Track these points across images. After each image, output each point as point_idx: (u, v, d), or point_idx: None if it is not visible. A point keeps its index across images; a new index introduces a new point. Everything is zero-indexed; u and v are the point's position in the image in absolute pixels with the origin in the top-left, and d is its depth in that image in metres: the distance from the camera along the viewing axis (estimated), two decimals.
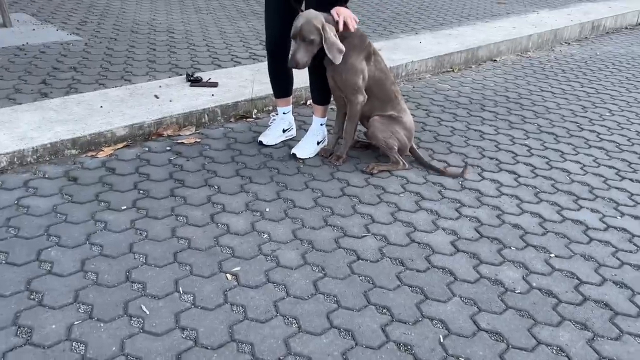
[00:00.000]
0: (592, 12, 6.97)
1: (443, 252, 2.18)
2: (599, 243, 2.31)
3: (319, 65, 2.75)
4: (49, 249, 2.05)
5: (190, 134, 3.13)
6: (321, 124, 2.98)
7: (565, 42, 6.10)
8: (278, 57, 2.89)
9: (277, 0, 2.73)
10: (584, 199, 2.66)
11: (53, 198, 2.39)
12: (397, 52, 4.62)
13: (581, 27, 6.35)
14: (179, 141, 3.02)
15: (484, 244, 2.25)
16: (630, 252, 2.26)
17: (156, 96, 3.38)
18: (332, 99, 2.93)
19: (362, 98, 2.70)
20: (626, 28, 7.13)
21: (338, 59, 2.53)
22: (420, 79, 4.49)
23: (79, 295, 1.83)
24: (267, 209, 2.40)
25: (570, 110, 3.90)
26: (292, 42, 2.53)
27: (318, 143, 2.97)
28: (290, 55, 2.51)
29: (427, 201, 2.55)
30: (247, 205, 2.43)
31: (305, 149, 2.93)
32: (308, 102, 3.77)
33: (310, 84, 2.95)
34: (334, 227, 2.31)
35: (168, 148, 2.94)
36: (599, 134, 3.48)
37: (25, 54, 4.06)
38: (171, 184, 2.57)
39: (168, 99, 3.35)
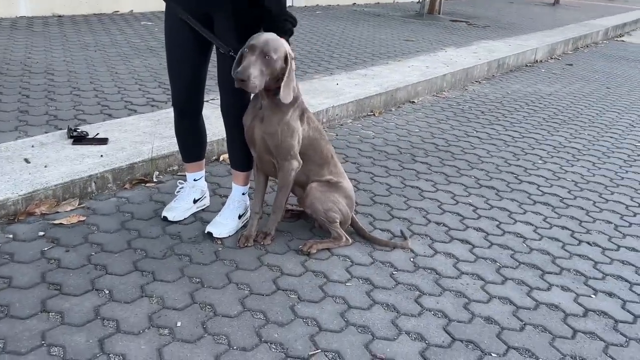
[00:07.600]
0: (496, 50, 7.08)
1: None
2: (585, 337, 1.96)
3: (238, 123, 2.23)
4: None
5: (71, 210, 2.45)
6: (243, 193, 2.45)
7: (476, 81, 6.07)
8: (189, 115, 2.34)
9: (184, 45, 2.19)
10: (550, 272, 2.34)
11: None
12: (316, 95, 4.21)
13: (489, 66, 6.38)
14: (56, 221, 2.33)
15: (459, 350, 1.82)
16: (621, 346, 1.94)
17: (27, 160, 2.66)
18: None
19: (297, 164, 2.21)
20: (526, 65, 7.34)
21: (288, 99, 2.04)
22: (341, 125, 4.10)
23: None
24: (179, 323, 1.81)
25: (502, 158, 3.68)
26: (246, 55, 1.95)
27: (240, 217, 2.42)
28: (240, 67, 1.91)
29: (381, 291, 2.09)
30: (151, 318, 1.82)
31: (225, 225, 2.37)
32: (221, 158, 3.22)
33: (228, 145, 2.40)
34: (272, 344, 1.76)
35: (41, 233, 2.25)
36: (539, 186, 3.25)
37: None
38: (43, 291, 1.90)
39: (42, 163, 2.65)
